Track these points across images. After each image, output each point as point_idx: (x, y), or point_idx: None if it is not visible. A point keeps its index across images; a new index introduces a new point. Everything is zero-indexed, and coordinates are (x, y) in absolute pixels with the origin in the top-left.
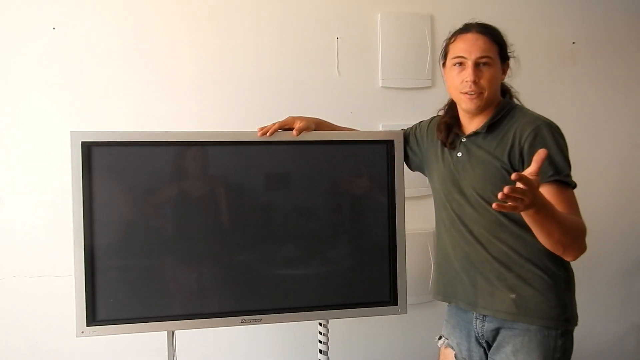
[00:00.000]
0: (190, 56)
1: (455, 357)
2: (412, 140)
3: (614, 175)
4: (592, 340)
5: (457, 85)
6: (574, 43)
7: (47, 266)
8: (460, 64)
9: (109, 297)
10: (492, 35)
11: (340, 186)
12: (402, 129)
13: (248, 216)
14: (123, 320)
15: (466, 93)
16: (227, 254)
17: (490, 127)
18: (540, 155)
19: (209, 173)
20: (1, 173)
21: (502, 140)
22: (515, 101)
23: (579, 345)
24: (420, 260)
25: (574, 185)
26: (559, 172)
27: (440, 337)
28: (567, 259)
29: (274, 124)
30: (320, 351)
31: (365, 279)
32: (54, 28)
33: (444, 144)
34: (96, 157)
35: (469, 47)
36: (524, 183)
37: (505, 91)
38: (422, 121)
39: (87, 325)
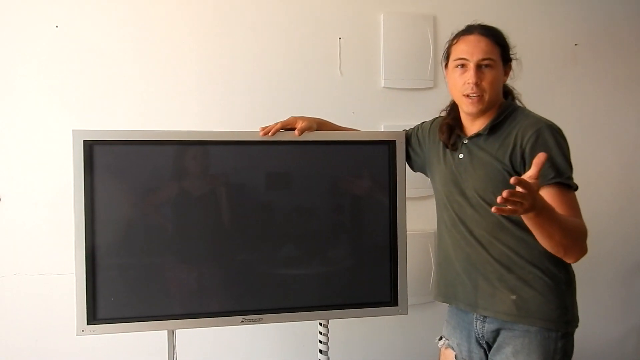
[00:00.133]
0: (192, 56)
1: (455, 357)
2: (414, 140)
3: (615, 176)
4: (592, 342)
5: (459, 87)
6: (576, 45)
7: (48, 264)
8: (463, 65)
9: (110, 296)
10: (494, 37)
11: (342, 186)
12: (404, 130)
13: (249, 216)
14: (123, 319)
15: (468, 95)
16: (228, 254)
17: (492, 129)
18: (540, 158)
19: (210, 172)
20: (2, 171)
21: (504, 142)
22: (518, 103)
23: (579, 347)
24: (421, 261)
25: (576, 188)
26: (561, 174)
27: (440, 338)
28: (568, 261)
29: (276, 123)
30: (321, 351)
31: (366, 279)
32: (56, 26)
33: (445, 145)
34: (98, 155)
35: (471, 49)
36: (523, 187)
37: (508, 93)
38: (424, 122)
39: (88, 324)
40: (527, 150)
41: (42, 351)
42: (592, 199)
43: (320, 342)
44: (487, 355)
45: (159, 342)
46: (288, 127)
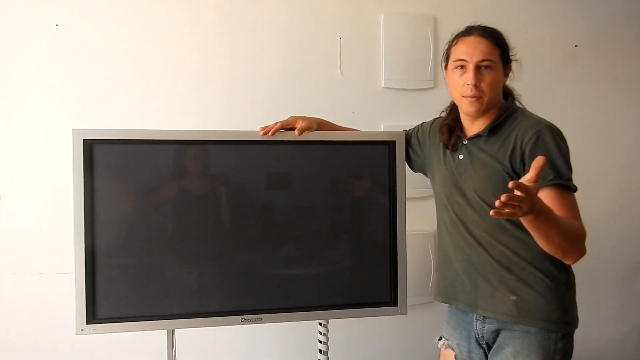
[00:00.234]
0: (192, 55)
1: (455, 358)
2: (414, 141)
3: (616, 177)
4: (592, 342)
5: (459, 88)
6: (576, 46)
7: (47, 263)
8: (462, 67)
9: (109, 295)
10: (494, 38)
11: (342, 186)
12: (404, 130)
13: (249, 215)
14: (123, 318)
15: (467, 96)
16: (228, 253)
17: (492, 130)
18: (538, 162)
19: (210, 172)
20: (2, 170)
21: (504, 143)
22: (518, 104)
23: (579, 347)
24: (421, 261)
25: (575, 189)
26: (560, 176)
27: (440, 338)
28: (567, 262)
29: (276, 123)
30: (320, 351)
31: (366, 279)
32: (56, 25)
33: (445, 146)
34: (98, 154)
35: (470, 50)
36: (522, 190)
37: (508, 94)
38: (424, 122)
39: (87, 323)
40: (526, 152)
41: (41, 350)
42: (592, 199)
43: (320, 342)
44: (486, 356)
45: (158, 342)
46: (288, 126)
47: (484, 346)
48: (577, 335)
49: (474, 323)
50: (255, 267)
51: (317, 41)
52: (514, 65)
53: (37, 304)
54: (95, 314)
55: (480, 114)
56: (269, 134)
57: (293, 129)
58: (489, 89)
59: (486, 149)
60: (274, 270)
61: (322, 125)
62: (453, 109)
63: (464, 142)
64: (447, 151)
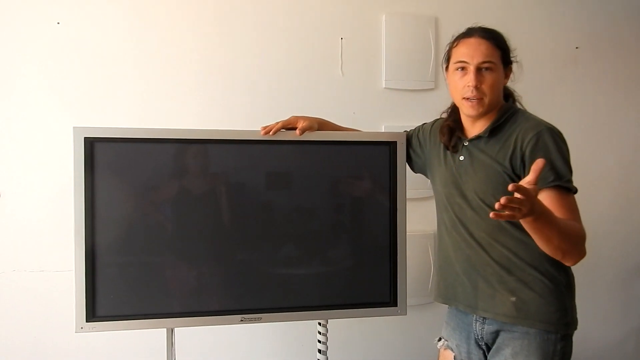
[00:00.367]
0: (194, 55)
1: (454, 358)
2: (414, 142)
3: (616, 179)
4: (591, 344)
5: (459, 89)
6: (577, 48)
7: (47, 261)
8: (463, 68)
9: (109, 294)
10: (494, 40)
11: (342, 186)
12: (405, 131)
13: (249, 215)
14: (123, 316)
15: (468, 98)
16: (228, 253)
17: (493, 131)
18: (538, 164)
19: (211, 171)
20: (3, 167)
21: (504, 144)
22: (518, 105)
23: (578, 349)
24: (421, 262)
25: (575, 191)
26: (560, 178)
27: (439, 339)
28: (566, 264)
29: (277, 123)
30: (320, 351)
31: (366, 279)
32: (58, 23)
33: (446, 147)
34: (99, 152)
35: (471, 52)
36: (521, 193)
37: (509, 95)
38: (425, 123)
39: (87, 321)
40: (527, 153)
41: (41, 348)
42: (592, 201)
43: (319, 341)
44: (486, 357)
45: (158, 340)
46: (289, 126)
47: (483, 347)
48: (577, 336)
49: (474, 324)
50: (255, 267)
51: (319, 41)
52: (514, 66)
53: (36, 301)
54: (95, 311)
55: (481, 115)
56: (270, 133)
57: (294, 128)
58: (490, 91)
59: (487, 150)
60: (274, 270)
61: (323, 125)
62: (454, 110)
63: (465, 144)
64: (448, 152)
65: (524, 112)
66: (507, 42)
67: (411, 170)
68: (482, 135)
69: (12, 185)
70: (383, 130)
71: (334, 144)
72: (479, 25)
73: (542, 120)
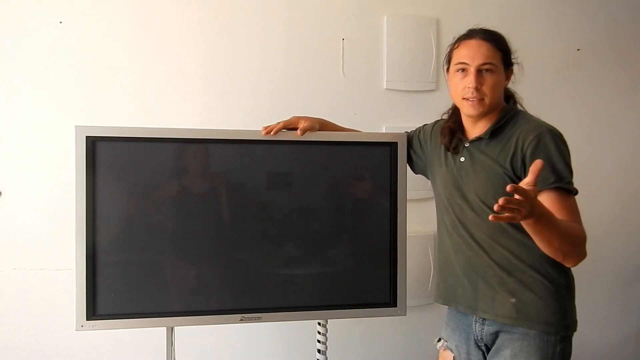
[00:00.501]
0: (195, 55)
1: (454, 359)
2: (415, 143)
3: (616, 181)
4: (590, 346)
5: (460, 91)
6: (578, 50)
7: (48, 260)
8: (463, 70)
9: (110, 292)
10: (495, 41)
11: (343, 187)
12: (406, 132)
13: (250, 215)
14: (123, 315)
15: (468, 99)
16: (229, 252)
17: (494, 133)
18: (537, 165)
19: (211, 171)
20: (4, 166)
21: (505, 146)
22: (519, 107)
23: (577, 351)
24: (421, 262)
25: (576, 192)
26: (561, 179)
27: (439, 340)
28: (567, 265)
29: (279, 123)
30: (319, 351)
31: (366, 280)
32: (60, 22)
33: (447, 149)
34: (100, 151)
35: (472, 54)
36: (520, 194)
37: (509, 97)
38: (425, 124)
39: (87, 319)
40: (527, 155)
41: (41, 346)
42: (592, 203)
43: (319, 341)
44: (485, 358)
45: (157, 339)
46: (290, 126)
47: (483, 348)
48: (576, 338)
49: (474, 325)
50: (256, 267)
51: (320, 42)
52: (515, 68)
53: (37, 300)
54: (95, 310)
55: (481, 115)
56: (271, 133)
57: (295, 128)
58: (490, 92)
59: (487, 151)
60: (274, 270)
61: (324, 125)
62: (455, 112)
63: (466, 145)
64: (449, 154)
65: (525, 114)
66: (508, 44)
67: (411, 172)
68: (483, 137)
69: (13, 184)
70: (384, 131)
71: (335, 144)
72: (480, 27)
73: (543, 121)
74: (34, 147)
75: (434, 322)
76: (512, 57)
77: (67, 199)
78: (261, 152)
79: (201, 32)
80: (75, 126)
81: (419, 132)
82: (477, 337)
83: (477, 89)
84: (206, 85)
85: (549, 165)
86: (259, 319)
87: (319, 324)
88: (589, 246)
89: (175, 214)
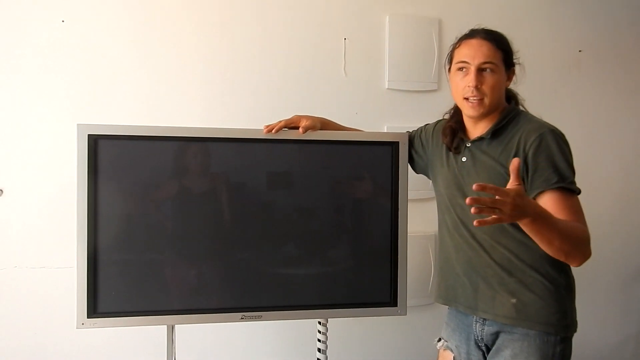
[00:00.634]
0: (197, 54)
1: (454, 359)
2: (417, 143)
3: (617, 182)
4: (590, 346)
5: (460, 90)
6: (580, 51)
7: (49, 258)
8: (464, 69)
9: (111, 290)
10: (496, 41)
11: (344, 186)
12: (407, 132)
13: (251, 214)
14: (124, 313)
15: (468, 98)
16: (229, 251)
17: (495, 133)
18: (513, 164)
19: (213, 170)
20: (5, 164)
21: (507, 146)
22: (521, 107)
23: (577, 351)
24: (421, 262)
25: (579, 192)
26: (563, 179)
27: (439, 339)
28: (571, 265)
29: (280, 121)
30: (319, 350)
31: (366, 279)
32: (63, 21)
33: (448, 148)
34: (102, 150)
35: (472, 53)
36: (499, 194)
37: (511, 97)
38: (427, 124)
39: (88, 317)
40: (529, 155)
41: (41, 344)
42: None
43: (319, 340)
44: (485, 358)
45: (158, 338)
46: (292, 125)
47: (483, 348)
48: (576, 338)
49: (474, 325)
50: (256, 265)
51: (322, 41)
52: (517, 68)
53: (38, 298)
54: (96, 308)
55: (482, 116)
56: (273, 131)
57: (296, 127)
58: (491, 92)
59: (489, 151)
60: (275, 269)
61: (325, 125)
62: (456, 112)
63: (467, 145)
64: (450, 153)
65: (527, 114)
66: (510, 44)
67: (413, 171)
68: (485, 137)
69: (15, 182)
70: (385, 131)
71: (336, 143)
72: (482, 27)
73: (544, 122)
74: (35, 146)
75: (434, 322)
76: (514, 57)
77: (68, 197)
78: (262, 151)
79: (203, 32)
80: (77, 124)
81: (421, 131)
82: (478, 337)
83: (477, 88)
84: (207, 84)
85: (551, 165)
86: (259, 318)
87: (320, 323)
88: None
89: (177, 213)
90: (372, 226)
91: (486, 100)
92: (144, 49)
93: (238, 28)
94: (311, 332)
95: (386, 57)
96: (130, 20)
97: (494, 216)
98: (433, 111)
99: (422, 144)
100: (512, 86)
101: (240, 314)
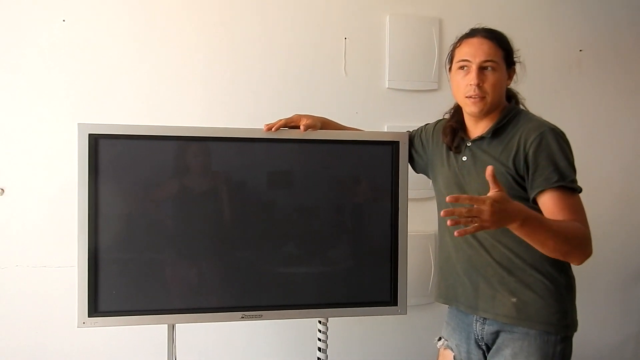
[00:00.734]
0: (198, 54)
1: (454, 358)
2: (417, 142)
3: (618, 182)
4: (591, 346)
5: (462, 88)
6: (580, 50)
7: (50, 257)
8: (465, 67)
9: (112, 289)
10: (497, 40)
11: (344, 186)
12: (408, 131)
13: (252, 213)
14: (125, 312)
15: (469, 97)
16: (230, 250)
17: (496, 132)
18: (488, 171)
19: (213, 169)
20: (6, 163)
21: (507, 145)
22: (522, 107)
23: (577, 351)
24: (421, 262)
25: (580, 190)
26: (564, 178)
27: (439, 339)
28: (573, 264)
29: (280, 120)
30: (319, 349)
31: (366, 278)
32: (64, 20)
33: (449, 148)
34: (103, 149)
35: (473, 51)
36: (474, 202)
37: (512, 96)
38: (427, 124)
39: (89, 316)
40: (530, 154)
41: (42, 343)
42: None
43: (320, 340)
44: (485, 357)
45: (159, 338)
46: (292, 124)
47: (483, 347)
48: (576, 338)
49: (474, 324)
50: (257, 265)
51: (322, 41)
52: (517, 67)
53: (39, 297)
54: (97, 307)
55: (483, 114)
56: (272, 129)
57: (297, 127)
58: (492, 90)
59: (489, 151)
60: (275, 268)
61: (326, 124)
62: (457, 111)
63: (468, 144)
64: (451, 153)
65: (527, 113)
66: (510, 43)
67: (413, 171)
68: (485, 136)
69: (16, 181)
70: (385, 131)
71: (337, 143)
72: (483, 26)
73: (545, 121)
74: (36, 145)
75: (435, 321)
76: (514, 56)
77: (69, 196)
78: (263, 151)
79: (203, 32)
80: (78, 124)
81: (421, 131)
82: (478, 336)
83: (479, 86)
84: (208, 84)
85: (552, 164)
86: (259, 317)
87: (320, 322)
88: None
89: (177, 212)
90: (373, 225)
91: (488, 99)
92: (145, 49)
93: (238, 28)
94: (311, 331)
95: (386, 56)
96: (131, 19)
97: (473, 226)
98: (433, 111)
99: (422, 143)
100: (512, 85)
101: (240, 313)
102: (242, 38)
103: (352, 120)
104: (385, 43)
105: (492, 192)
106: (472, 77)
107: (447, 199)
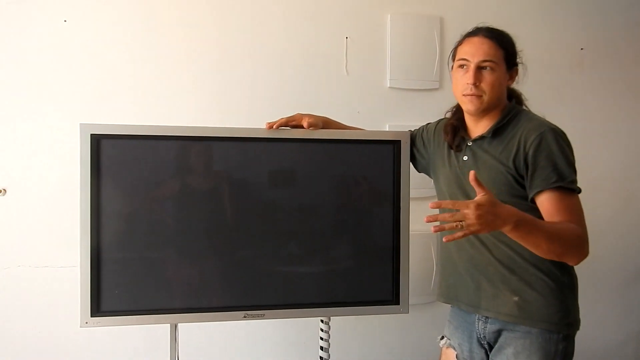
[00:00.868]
0: (199, 53)
1: (456, 357)
2: (418, 141)
3: (619, 182)
4: (593, 345)
5: (460, 87)
6: (582, 49)
7: (52, 257)
8: (464, 66)
9: (114, 289)
10: (498, 39)
11: (346, 185)
12: (409, 130)
13: (253, 212)
14: (127, 311)
15: (466, 95)
16: (232, 250)
17: (496, 132)
18: (471, 176)
19: (215, 168)
20: (8, 163)
21: (508, 145)
22: (523, 106)
23: (580, 349)
24: (423, 261)
25: (579, 191)
26: (563, 179)
27: (442, 337)
28: (569, 263)
29: (282, 118)
30: (322, 348)
31: (368, 278)
32: (65, 20)
33: (450, 147)
34: (105, 149)
35: (473, 50)
36: (457, 207)
37: (513, 96)
38: (429, 123)
39: (91, 316)
40: (530, 154)
41: (45, 343)
42: (594, 203)
43: (322, 339)
44: (487, 356)
45: (161, 338)
46: (293, 123)
47: (486, 346)
48: (579, 337)
49: (476, 323)
50: (259, 264)
51: (324, 40)
52: (519, 67)
53: (41, 297)
54: (99, 306)
55: (480, 112)
56: (274, 127)
57: (299, 126)
58: (490, 89)
59: (490, 150)
60: (277, 267)
61: (327, 123)
62: (458, 110)
63: (468, 144)
64: (452, 152)
65: (528, 113)
66: (513, 43)
67: (415, 170)
68: (486, 136)
69: (18, 181)
70: (387, 130)
71: (338, 142)
72: (487, 25)
73: (545, 120)
74: (38, 145)
75: (437, 320)
76: (517, 56)
77: (71, 196)
78: (265, 150)
79: (205, 31)
80: (80, 124)
81: (422, 130)
82: (480, 335)
83: (476, 85)
84: (209, 83)
85: (551, 164)
86: (262, 316)
87: (322, 321)
88: (590, 246)
89: (179, 212)
90: (374, 224)
91: (484, 97)
92: (147, 49)
93: (239, 28)
94: (313, 330)
95: (388, 55)
96: (132, 19)
97: (461, 232)
98: (435, 110)
99: (423, 142)
100: (514, 85)
101: (242, 313)
102: (243, 38)
103: (353, 119)
104: (387, 42)
105: (479, 195)
106: (469, 76)
107: (430, 205)
